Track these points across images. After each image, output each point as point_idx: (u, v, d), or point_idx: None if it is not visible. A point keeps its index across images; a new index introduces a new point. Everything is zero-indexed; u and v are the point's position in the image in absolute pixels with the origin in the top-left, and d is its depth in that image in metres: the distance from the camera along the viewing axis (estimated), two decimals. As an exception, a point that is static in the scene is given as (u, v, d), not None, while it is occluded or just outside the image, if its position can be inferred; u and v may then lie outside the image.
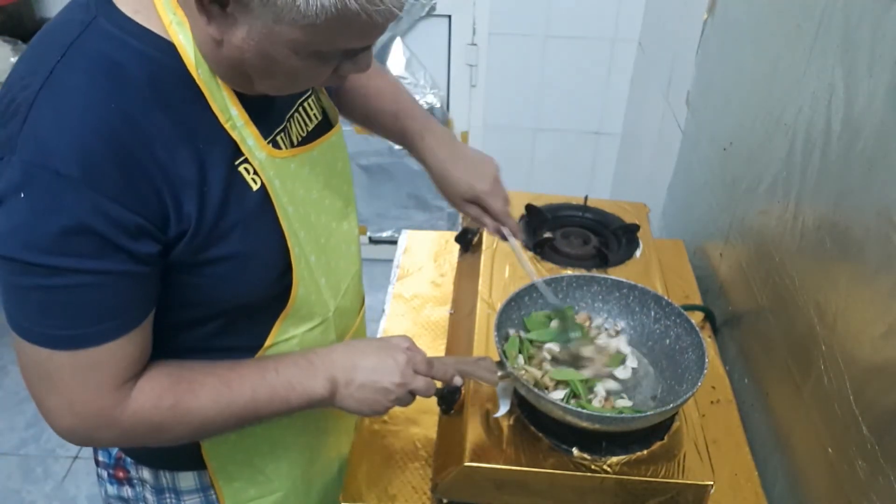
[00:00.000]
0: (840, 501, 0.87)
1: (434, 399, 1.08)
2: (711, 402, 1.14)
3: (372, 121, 1.13)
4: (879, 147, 0.83)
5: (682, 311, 1.04)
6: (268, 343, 0.88)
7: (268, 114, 0.82)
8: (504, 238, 1.08)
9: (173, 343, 0.82)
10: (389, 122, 1.10)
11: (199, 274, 0.77)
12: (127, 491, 1.01)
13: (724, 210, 1.38)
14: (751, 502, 1.00)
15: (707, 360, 0.96)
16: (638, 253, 1.31)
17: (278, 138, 0.84)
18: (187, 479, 0.97)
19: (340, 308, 0.98)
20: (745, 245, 1.26)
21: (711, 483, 0.92)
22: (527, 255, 1.10)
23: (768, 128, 1.18)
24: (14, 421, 2.33)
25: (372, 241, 3.03)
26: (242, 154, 0.78)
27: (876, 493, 0.79)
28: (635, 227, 1.36)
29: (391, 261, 1.50)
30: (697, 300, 1.35)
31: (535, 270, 1.13)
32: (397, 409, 1.09)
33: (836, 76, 0.95)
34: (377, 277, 1.72)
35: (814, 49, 1.02)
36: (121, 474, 1.00)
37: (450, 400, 1.06)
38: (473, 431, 0.97)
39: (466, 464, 0.93)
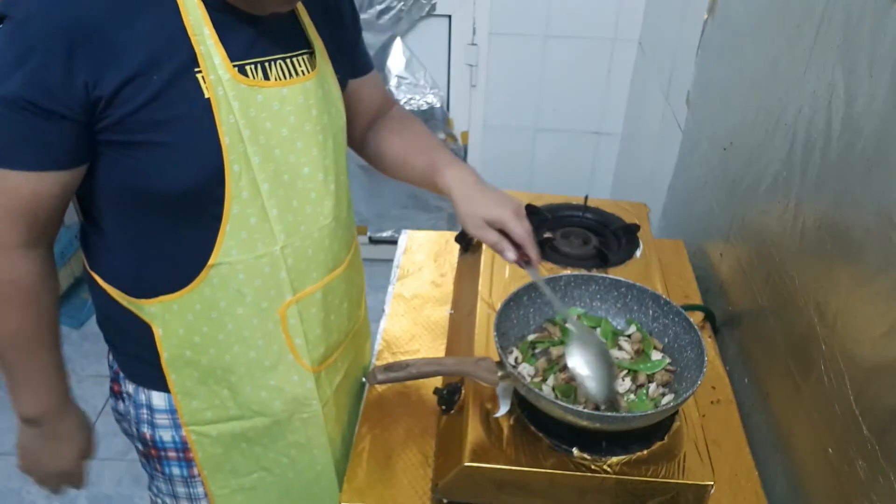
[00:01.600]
0: (840, 501, 0.87)
1: (434, 399, 1.08)
2: (711, 402, 1.14)
3: (403, 173, 1.15)
4: (879, 147, 0.83)
5: (681, 309, 1.04)
6: (212, 261, 0.92)
7: (241, 43, 0.87)
8: (524, 266, 1.02)
9: (130, 229, 0.92)
10: (423, 171, 1.11)
11: (132, 156, 0.84)
12: (120, 405, 1.10)
13: (724, 210, 1.38)
14: (751, 502, 1.00)
15: (706, 358, 0.96)
16: (638, 253, 1.31)
17: (248, 68, 0.88)
18: (160, 399, 1.04)
19: (297, 251, 0.98)
20: (745, 245, 1.26)
21: (711, 483, 0.92)
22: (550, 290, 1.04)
23: (768, 128, 1.18)
24: (14, 421, 2.32)
25: (372, 241, 3.03)
26: (203, 67, 0.83)
27: (876, 493, 0.79)
28: (635, 227, 1.36)
29: (391, 261, 1.50)
30: (697, 300, 1.36)
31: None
32: (398, 409, 1.10)
33: (836, 76, 0.95)
34: (377, 277, 1.72)
35: (814, 49, 1.03)
36: (116, 388, 1.09)
37: (450, 400, 1.06)
38: (473, 431, 0.98)
39: (466, 464, 0.93)
